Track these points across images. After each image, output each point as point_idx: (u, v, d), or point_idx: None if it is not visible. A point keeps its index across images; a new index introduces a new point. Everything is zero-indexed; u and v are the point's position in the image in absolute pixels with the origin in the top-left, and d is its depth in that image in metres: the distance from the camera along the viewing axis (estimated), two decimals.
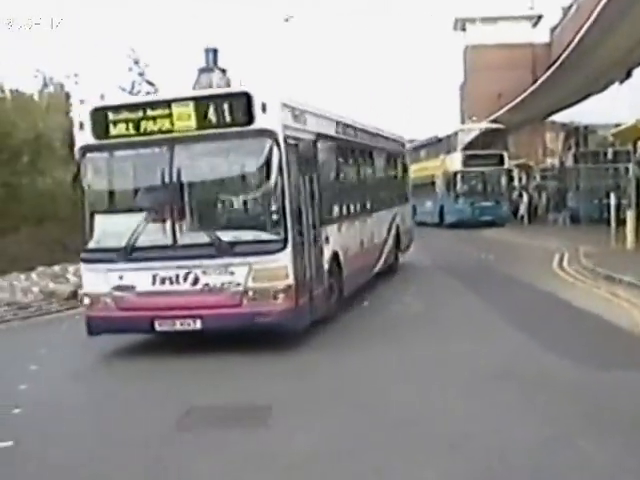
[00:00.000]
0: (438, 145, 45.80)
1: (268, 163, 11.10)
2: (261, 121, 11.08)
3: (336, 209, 14.79)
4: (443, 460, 6.61)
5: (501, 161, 42.67)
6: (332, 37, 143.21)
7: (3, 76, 36.93)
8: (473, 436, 7.16)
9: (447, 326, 12.95)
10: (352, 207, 16.28)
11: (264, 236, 11.26)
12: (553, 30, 61.47)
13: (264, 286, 11.06)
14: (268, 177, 11.15)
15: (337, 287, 13.92)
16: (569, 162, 45.44)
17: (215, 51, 41.03)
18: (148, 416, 8.43)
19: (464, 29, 71.72)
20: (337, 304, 13.87)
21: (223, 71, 41.84)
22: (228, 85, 41.62)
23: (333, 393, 9.03)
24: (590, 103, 40.79)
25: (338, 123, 15.41)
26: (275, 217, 11.28)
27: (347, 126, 16.18)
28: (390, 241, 20.05)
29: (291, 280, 11.23)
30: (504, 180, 43.22)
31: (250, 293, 11.04)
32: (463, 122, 58.11)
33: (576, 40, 30.33)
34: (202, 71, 41.89)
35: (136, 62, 36.76)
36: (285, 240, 11.18)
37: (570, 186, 44.02)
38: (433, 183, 45.08)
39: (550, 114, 47.96)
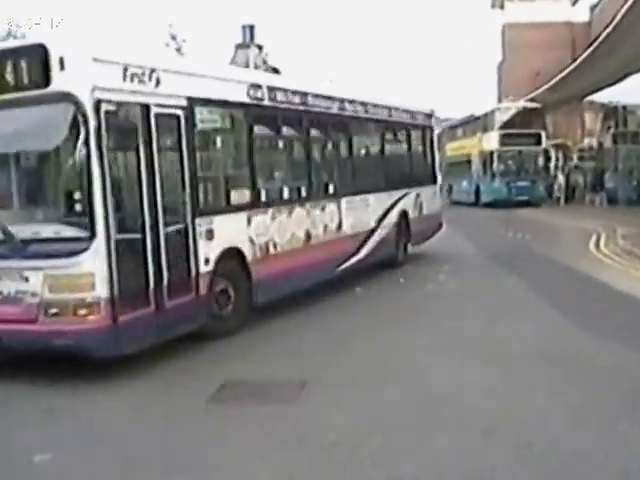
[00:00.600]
0: (475, 124, 45.46)
1: (71, 136, 8.68)
2: (59, 82, 8.56)
3: (242, 194, 11.81)
4: (479, 439, 6.59)
5: (538, 141, 42.26)
6: (369, 18, 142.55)
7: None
8: (510, 416, 7.13)
9: (483, 305, 12.87)
10: (290, 191, 13.24)
11: (67, 232, 8.80)
12: (593, 9, 60.66)
13: (64, 298, 8.59)
14: (71, 154, 8.78)
15: (240, 293, 11.32)
16: (607, 142, 44.96)
17: (252, 27, 40.96)
18: (183, 391, 8.47)
19: (502, 7, 70.89)
20: (240, 314, 11.35)
21: (260, 47, 41.83)
22: (265, 63, 41.68)
23: (368, 369, 9.02)
24: (630, 83, 40.30)
25: (254, 86, 12.28)
26: (79, 207, 8.77)
27: (280, 90, 13.07)
28: (385, 230, 16.90)
29: (101, 291, 8.58)
30: (541, 160, 42.81)
31: (48, 306, 8.62)
32: (500, 101, 57.59)
33: (617, 19, 29.91)
34: (239, 47, 41.86)
35: (173, 37, 36.90)
36: (91, 237, 8.58)
37: (608, 167, 43.59)
38: (469, 162, 44.82)
39: (589, 94, 47.42)
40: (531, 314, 12.05)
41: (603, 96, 45.79)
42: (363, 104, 16.56)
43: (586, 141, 54.51)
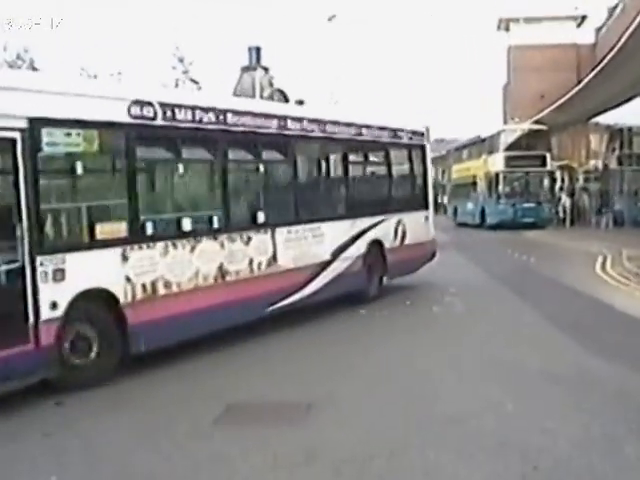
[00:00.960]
0: (480, 145, 45.53)
1: None
2: None
3: (115, 227, 10.11)
4: (486, 460, 6.58)
5: (544, 162, 42.28)
6: (375, 38, 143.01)
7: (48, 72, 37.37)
8: (517, 436, 7.13)
9: (488, 327, 12.86)
10: (194, 221, 11.36)
11: None
12: (598, 31, 60.82)
13: None
14: None
15: (108, 340, 9.84)
16: (613, 164, 44.98)
17: (258, 49, 41.14)
18: (188, 413, 8.46)
19: (508, 29, 71.14)
20: (108, 364, 9.86)
21: (266, 69, 42.00)
22: (271, 84, 41.81)
23: (377, 388, 9.02)
24: (635, 105, 40.34)
25: (140, 104, 10.64)
26: None
27: (182, 108, 11.33)
28: (347, 263, 14.99)
29: None
30: (547, 182, 42.82)
31: None
32: (506, 122, 57.69)
33: (622, 41, 29.99)
34: (245, 69, 42.01)
35: (180, 60, 37.05)
36: None
37: (614, 188, 43.58)
38: (475, 184, 44.84)
39: (594, 115, 47.46)
40: (538, 335, 12.04)
41: (608, 118, 45.83)
42: (317, 121, 14.73)
43: (591, 163, 54.49)
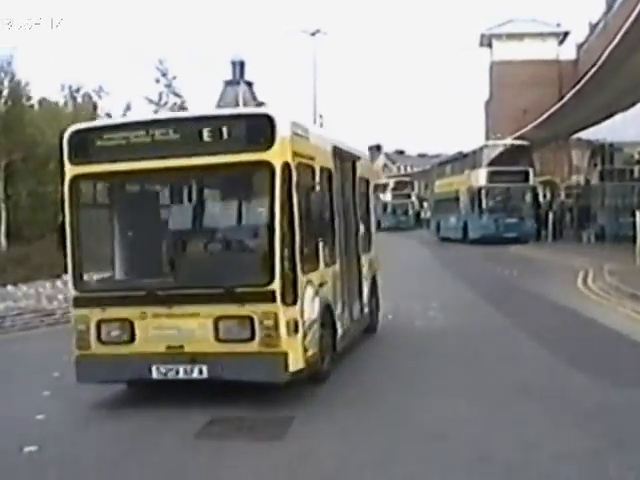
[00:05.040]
0: (463, 161, 45.73)
1: None
2: None
3: None
4: (468, 475, 6.59)
5: (526, 178, 42.46)
6: (358, 53, 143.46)
7: (30, 84, 37.42)
8: (498, 452, 7.14)
9: (470, 343, 12.88)
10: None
11: None
12: (580, 47, 61.40)
13: None
14: None
15: None
16: (595, 180, 45.17)
17: (242, 64, 41.24)
18: (171, 426, 8.44)
19: (490, 45, 71.66)
20: None
21: (249, 84, 42.04)
22: (254, 98, 41.80)
23: (358, 405, 9.01)
24: (616, 120, 40.60)
25: None
26: None
27: None
28: None
29: None
30: (529, 197, 42.99)
31: None
32: (488, 138, 57.98)
33: (603, 57, 30.25)
34: (228, 83, 42.06)
35: (164, 74, 37.11)
36: None
37: (595, 204, 43.78)
38: (457, 199, 44.98)
39: (576, 131, 47.75)
40: (519, 350, 12.08)
41: (590, 134, 46.07)
42: None
43: (573, 178, 54.77)
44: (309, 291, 9.40)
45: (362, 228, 13.21)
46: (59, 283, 20.43)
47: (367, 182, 14.36)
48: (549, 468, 6.68)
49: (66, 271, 9.69)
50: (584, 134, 47.44)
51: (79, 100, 40.98)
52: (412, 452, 7.23)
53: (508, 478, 6.48)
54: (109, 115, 36.60)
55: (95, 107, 39.45)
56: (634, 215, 28.09)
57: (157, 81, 36.89)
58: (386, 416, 8.50)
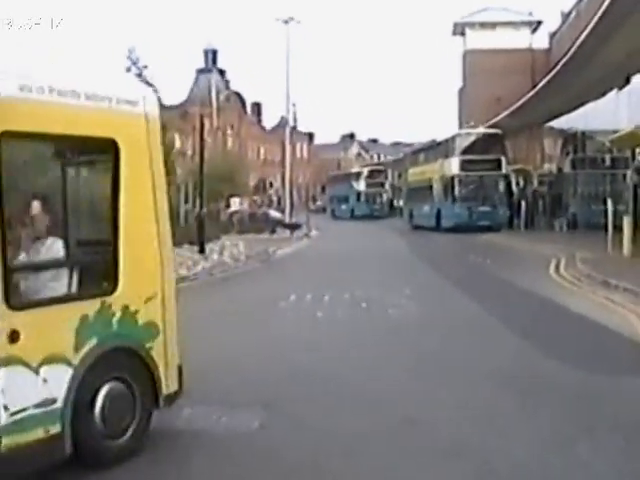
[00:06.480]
0: (436, 149, 45.92)
1: None
2: None
3: None
4: (444, 464, 6.59)
5: (499, 166, 42.69)
6: (332, 41, 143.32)
7: None
8: (473, 440, 7.14)
9: (445, 331, 12.90)
10: None
11: None
12: (552, 36, 61.58)
13: None
14: None
15: None
16: (567, 168, 45.47)
17: (214, 52, 41.05)
18: None
19: (463, 34, 71.70)
20: None
21: (222, 72, 41.86)
22: (227, 87, 41.59)
23: (331, 389, 8.98)
24: (588, 109, 40.84)
25: None
26: None
27: None
28: None
29: None
30: (502, 185, 43.22)
31: None
32: (461, 126, 58.13)
33: (575, 46, 30.41)
34: (200, 72, 41.86)
35: (134, 62, 36.87)
36: None
37: (567, 192, 44.06)
38: (431, 187, 45.11)
39: (548, 120, 48.05)
40: (493, 338, 12.09)
41: (562, 122, 46.38)
42: None
43: (546, 166, 55.11)
44: None
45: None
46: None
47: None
48: (522, 455, 6.69)
49: None
50: (556, 123, 47.78)
51: None
52: (384, 439, 7.21)
53: (484, 464, 6.49)
54: None
55: None
56: (605, 203, 28.31)
57: (128, 70, 36.63)
58: (360, 403, 8.46)
